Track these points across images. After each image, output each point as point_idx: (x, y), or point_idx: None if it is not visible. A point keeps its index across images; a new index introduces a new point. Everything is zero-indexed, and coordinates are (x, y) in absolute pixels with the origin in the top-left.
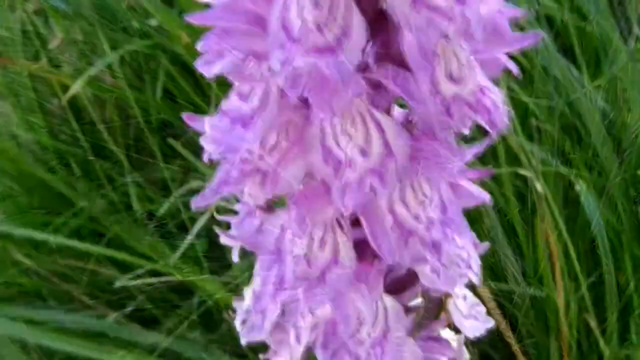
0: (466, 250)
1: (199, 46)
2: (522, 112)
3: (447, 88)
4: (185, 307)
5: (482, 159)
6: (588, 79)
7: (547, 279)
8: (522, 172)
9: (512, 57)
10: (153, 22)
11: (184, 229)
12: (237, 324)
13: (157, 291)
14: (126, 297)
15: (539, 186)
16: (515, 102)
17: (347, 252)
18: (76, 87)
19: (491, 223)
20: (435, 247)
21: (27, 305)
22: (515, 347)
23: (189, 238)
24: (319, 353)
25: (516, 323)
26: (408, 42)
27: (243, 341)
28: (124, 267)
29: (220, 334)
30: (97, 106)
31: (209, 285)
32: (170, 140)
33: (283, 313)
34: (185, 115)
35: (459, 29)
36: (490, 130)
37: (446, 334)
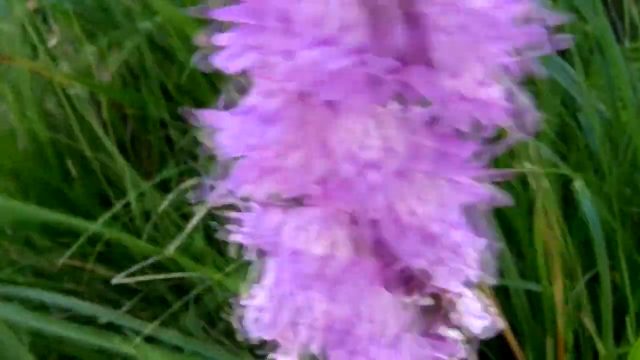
0: (468, 245)
1: (221, 41)
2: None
3: (478, 91)
4: (180, 306)
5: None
6: (583, 77)
7: (543, 276)
8: (524, 170)
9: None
10: (147, 24)
11: (179, 227)
12: (248, 320)
13: (155, 291)
14: (122, 297)
15: (533, 182)
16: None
17: (365, 253)
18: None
19: (490, 220)
20: (434, 242)
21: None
22: (513, 344)
23: (186, 232)
24: (332, 354)
25: (514, 320)
26: (440, 44)
27: (253, 338)
28: (120, 268)
29: (218, 331)
30: (95, 104)
31: (212, 273)
32: (172, 134)
33: (296, 312)
34: (203, 111)
35: (490, 33)
36: (507, 128)
37: (452, 333)
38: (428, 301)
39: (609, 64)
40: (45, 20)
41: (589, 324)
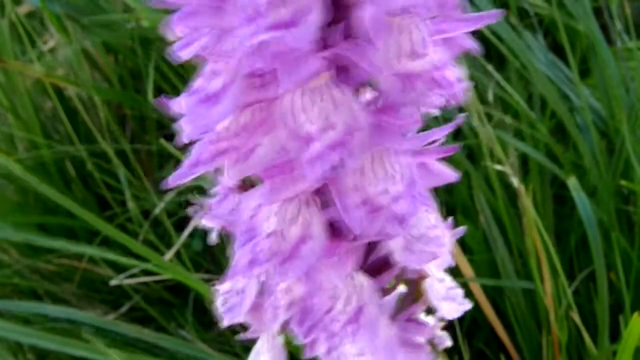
0: (439, 228)
1: (167, 26)
2: (513, 112)
3: (409, 62)
4: (180, 306)
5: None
6: (577, 77)
7: (535, 275)
8: (498, 167)
9: (500, 53)
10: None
11: (180, 228)
12: (218, 305)
13: (152, 290)
14: (121, 297)
15: (515, 181)
16: (503, 100)
17: (318, 227)
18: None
19: (485, 219)
20: (403, 221)
21: (22, 304)
22: (508, 343)
23: (184, 236)
24: (295, 330)
25: (509, 319)
26: (367, 14)
27: (224, 323)
28: (119, 267)
29: (217, 333)
30: (93, 106)
31: (200, 287)
32: (163, 141)
33: (262, 292)
34: (155, 100)
35: (416, 3)
36: (452, 103)
37: (427, 318)
38: (401, 286)
39: (602, 64)
40: (42, 23)
41: (578, 321)
